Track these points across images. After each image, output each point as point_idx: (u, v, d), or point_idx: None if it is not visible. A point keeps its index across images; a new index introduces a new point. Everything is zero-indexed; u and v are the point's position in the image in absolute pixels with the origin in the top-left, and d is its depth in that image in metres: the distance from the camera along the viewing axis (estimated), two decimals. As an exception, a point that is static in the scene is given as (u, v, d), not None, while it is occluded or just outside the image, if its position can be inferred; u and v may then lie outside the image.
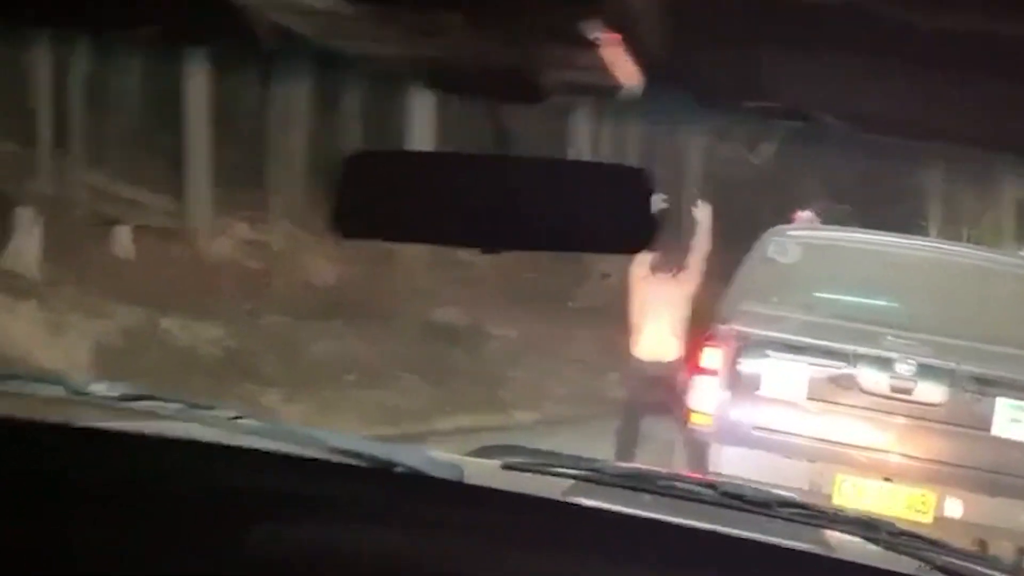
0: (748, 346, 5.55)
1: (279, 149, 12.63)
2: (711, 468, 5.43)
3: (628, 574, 1.51)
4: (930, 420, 5.35)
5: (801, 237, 5.84)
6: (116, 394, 1.73)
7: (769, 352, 5.53)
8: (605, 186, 1.31)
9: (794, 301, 5.74)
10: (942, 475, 5.32)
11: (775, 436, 5.52)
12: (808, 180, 14.16)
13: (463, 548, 1.54)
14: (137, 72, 13.61)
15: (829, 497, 5.23)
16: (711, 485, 1.69)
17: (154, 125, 13.35)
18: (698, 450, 5.67)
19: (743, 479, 3.89)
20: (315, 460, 1.70)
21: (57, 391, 1.72)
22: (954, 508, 5.28)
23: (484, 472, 1.85)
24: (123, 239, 11.09)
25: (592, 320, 12.73)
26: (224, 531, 1.54)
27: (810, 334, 5.50)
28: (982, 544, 4.92)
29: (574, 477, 1.79)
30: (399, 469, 1.70)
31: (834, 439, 5.47)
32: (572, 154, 12.86)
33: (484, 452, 2.10)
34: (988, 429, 5.27)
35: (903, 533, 1.61)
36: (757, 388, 5.56)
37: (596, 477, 1.75)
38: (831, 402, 5.48)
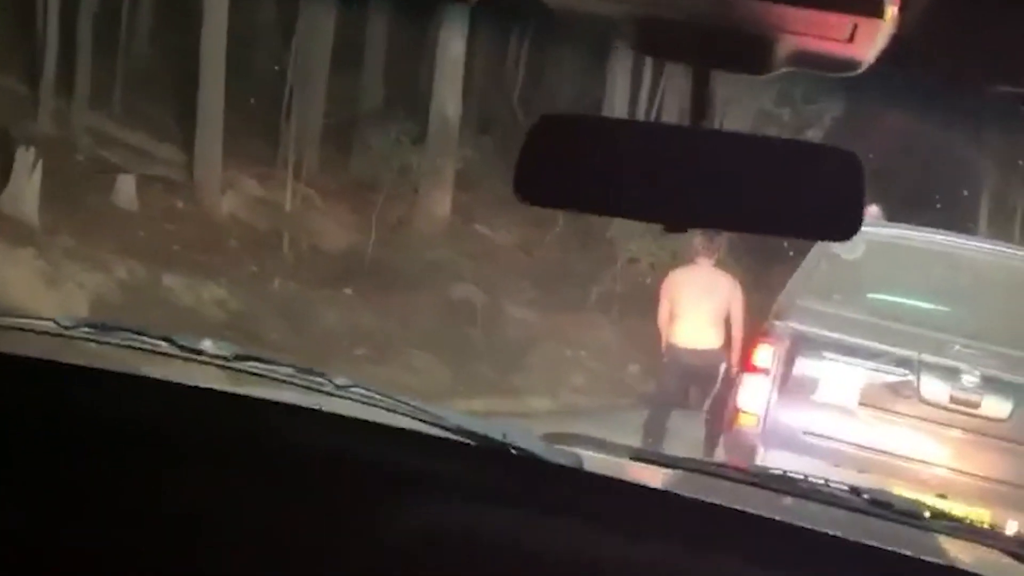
0: (804, 345, 5.53)
1: (296, 105, 12.58)
2: None
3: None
4: (993, 436, 5.34)
5: (867, 233, 5.82)
6: (228, 353, 1.73)
7: (826, 353, 5.52)
8: (811, 167, 1.30)
9: (856, 301, 5.72)
10: (1000, 495, 5.32)
11: (825, 443, 5.51)
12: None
13: (584, 535, 1.54)
14: (150, 10, 13.58)
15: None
16: (857, 491, 1.68)
17: (165, 70, 13.32)
18: (742, 452, 5.66)
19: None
20: (426, 435, 1.70)
21: (163, 347, 1.72)
22: (1011, 531, 5.27)
23: (603, 461, 1.86)
24: (127, 189, 11.05)
25: (616, 306, 12.75)
26: (341, 501, 1.54)
27: (871, 337, 5.49)
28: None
29: (703, 473, 1.79)
30: (515, 451, 1.70)
31: (888, 450, 5.46)
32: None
33: (551, 439, 2.10)
34: None
35: None
36: (811, 391, 5.55)
37: (732, 476, 1.75)
38: (888, 410, 5.47)
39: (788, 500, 1.70)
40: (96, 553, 1.48)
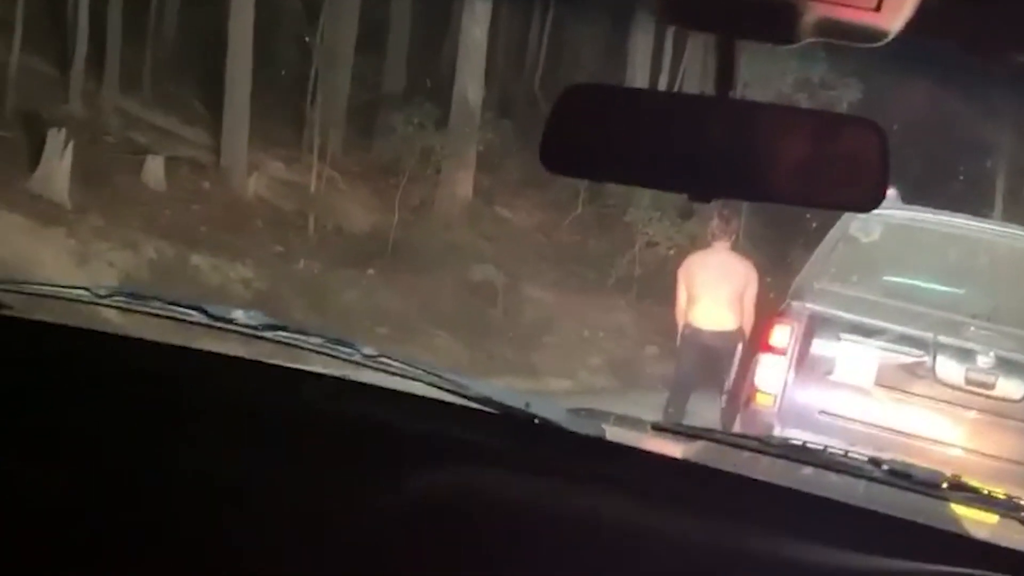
0: (821, 326, 5.51)
1: (321, 89, 12.58)
2: None
3: (775, 544, 1.50)
4: (1008, 417, 5.32)
5: (884, 215, 5.78)
6: (257, 323, 1.73)
7: (843, 334, 5.50)
8: (835, 138, 1.29)
9: (873, 283, 5.70)
10: (1016, 475, 5.29)
11: (841, 422, 5.50)
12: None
13: (606, 503, 1.54)
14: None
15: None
16: (876, 462, 1.67)
17: (194, 54, 13.34)
18: (759, 431, 5.65)
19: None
20: (451, 404, 1.70)
21: (195, 316, 1.73)
22: None
23: (625, 433, 1.85)
24: (155, 170, 11.09)
25: (634, 289, 12.74)
26: (367, 467, 1.55)
27: (888, 318, 5.47)
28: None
29: (724, 444, 1.78)
30: (538, 421, 1.70)
31: (903, 430, 5.44)
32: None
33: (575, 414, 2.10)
34: None
35: None
36: (827, 371, 5.53)
37: (753, 446, 1.74)
38: (904, 391, 5.45)
39: (807, 470, 1.69)
40: (125, 516, 1.49)
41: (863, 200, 1.28)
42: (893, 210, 5.73)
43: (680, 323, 7.23)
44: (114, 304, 1.79)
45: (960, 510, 1.66)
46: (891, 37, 1.13)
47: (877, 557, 1.45)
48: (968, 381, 5.39)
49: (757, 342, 6.05)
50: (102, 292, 1.76)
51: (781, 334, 5.58)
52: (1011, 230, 6.20)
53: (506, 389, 1.86)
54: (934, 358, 5.42)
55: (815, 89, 13.45)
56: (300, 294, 10.47)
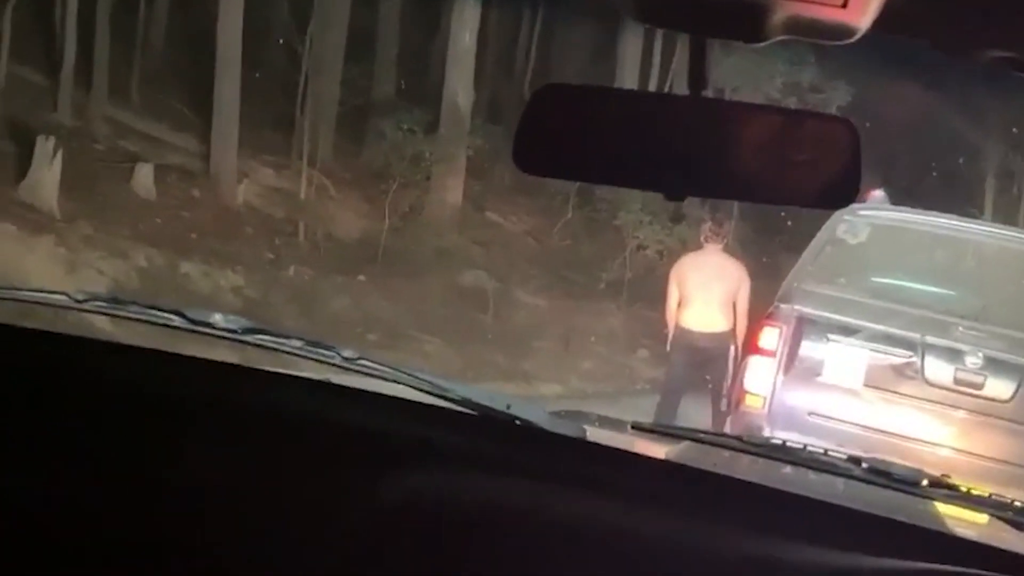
0: (809, 328, 5.52)
1: (310, 96, 12.58)
2: None
3: (756, 544, 1.51)
4: (997, 417, 5.33)
5: (872, 217, 5.80)
6: (237, 327, 1.72)
7: (831, 336, 5.51)
8: (808, 136, 1.29)
9: (860, 284, 5.71)
10: (1004, 475, 5.30)
11: (830, 424, 5.50)
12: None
13: (587, 504, 1.54)
14: (167, 1, 13.59)
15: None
16: (856, 460, 1.68)
17: (182, 61, 13.33)
18: (748, 433, 5.65)
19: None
20: (431, 406, 1.70)
21: (175, 320, 1.72)
22: (1008, 499, 5.25)
23: (606, 433, 1.85)
24: (144, 178, 11.07)
25: (625, 293, 12.74)
26: (347, 471, 1.54)
27: (876, 319, 5.48)
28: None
29: (705, 443, 1.78)
30: (520, 423, 1.70)
31: (892, 430, 5.45)
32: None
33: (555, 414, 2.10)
34: None
35: None
36: (815, 373, 5.54)
37: (733, 445, 1.74)
38: (892, 392, 5.47)
39: (788, 469, 1.69)
40: (104, 521, 1.49)
41: (835, 197, 1.29)
42: (881, 211, 5.75)
43: (671, 325, 7.23)
44: (93, 309, 1.78)
45: (941, 508, 1.66)
46: (860, 35, 1.13)
47: (858, 555, 1.45)
48: (957, 381, 5.41)
49: (747, 344, 6.06)
50: (80, 297, 1.76)
51: (770, 336, 5.58)
52: (999, 230, 6.22)
53: (487, 391, 1.87)
54: (923, 359, 5.44)
55: (804, 92, 13.49)
56: (290, 301, 10.46)
